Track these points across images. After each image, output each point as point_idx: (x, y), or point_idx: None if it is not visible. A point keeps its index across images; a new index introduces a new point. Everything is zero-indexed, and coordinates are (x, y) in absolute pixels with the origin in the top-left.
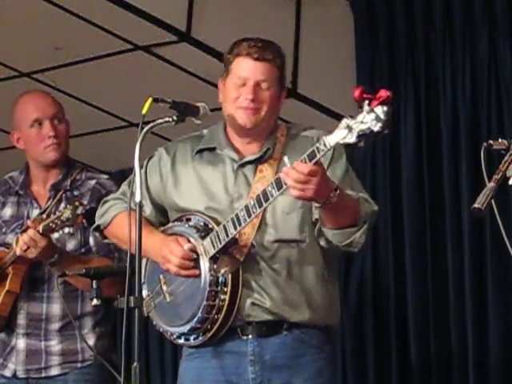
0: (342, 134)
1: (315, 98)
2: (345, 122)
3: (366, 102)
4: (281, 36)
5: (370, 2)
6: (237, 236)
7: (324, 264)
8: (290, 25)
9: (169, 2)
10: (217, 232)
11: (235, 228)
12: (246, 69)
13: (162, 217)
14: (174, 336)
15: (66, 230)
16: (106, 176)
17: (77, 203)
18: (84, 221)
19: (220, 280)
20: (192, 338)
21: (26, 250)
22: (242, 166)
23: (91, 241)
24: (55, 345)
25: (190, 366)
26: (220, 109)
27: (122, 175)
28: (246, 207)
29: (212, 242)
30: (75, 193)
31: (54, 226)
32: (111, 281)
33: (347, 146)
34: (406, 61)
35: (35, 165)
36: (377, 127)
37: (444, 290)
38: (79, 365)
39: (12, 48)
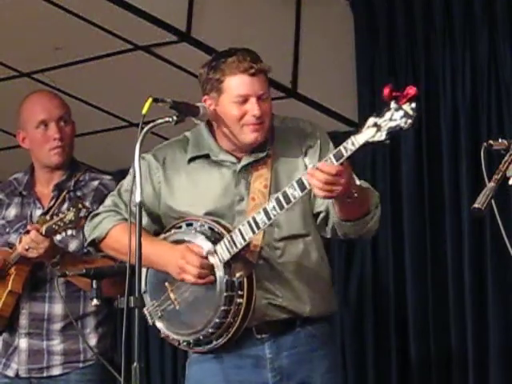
0: (371, 133)
1: (315, 98)
2: (372, 120)
3: (394, 100)
4: (281, 36)
5: (369, 1)
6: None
7: (324, 253)
8: (290, 25)
9: (169, 2)
10: (231, 236)
11: (253, 232)
12: (245, 86)
13: (157, 226)
14: (185, 344)
15: (69, 232)
16: (109, 177)
17: (80, 206)
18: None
19: (235, 284)
20: (204, 343)
21: (27, 250)
22: (241, 168)
23: None
24: (57, 344)
25: (202, 367)
26: None
27: (121, 175)
28: (265, 210)
29: (226, 247)
30: (78, 193)
31: (56, 227)
32: (112, 281)
33: (375, 144)
34: (406, 61)
35: (39, 165)
36: (406, 124)
37: (444, 289)
38: (81, 365)
39: (12, 48)
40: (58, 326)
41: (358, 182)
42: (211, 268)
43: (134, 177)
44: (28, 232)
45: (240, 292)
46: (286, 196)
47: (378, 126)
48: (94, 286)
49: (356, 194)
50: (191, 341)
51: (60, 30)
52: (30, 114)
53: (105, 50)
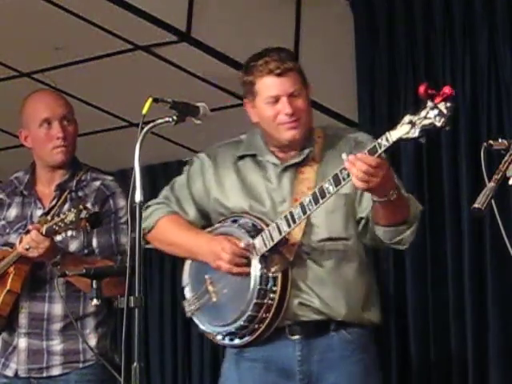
0: (405, 129)
1: (315, 98)
2: (407, 117)
3: (430, 98)
4: (281, 36)
5: (369, 2)
6: (286, 236)
7: (366, 260)
8: (289, 25)
9: (169, 2)
10: (269, 231)
11: (289, 226)
12: (274, 87)
13: (205, 221)
14: (219, 337)
15: (69, 233)
16: (110, 177)
17: (81, 207)
18: (87, 224)
19: (270, 279)
20: (237, 337)
21: (27, 249)
22: (284, 170)
23: (94, 242)
24: (57, 344)
25: (236, 366)
26: (219, 109)
27: (122, 175)
28: (301, 204)
29: (263, 241)
30: (80, 194)
31: (57, 228)
32: (115, 281)
33: (408, 141)
34: (406, 61)
35: (41, 165)
36: (440, 122)
37: (444, 289)
38: (81, 365)
39: (12, 48)
40: (57, 326)
41: (402, 191)
42: (247, 261)
43: (134, 177)
44: (28, 232)
45: (274, 287)
46: (321, 191)
47: (412, 124)
48: (94, 286)
49: (393, 196)
50: (224, 334)
51: (60, 29)
52: (33, 113)
53: (105, 50)
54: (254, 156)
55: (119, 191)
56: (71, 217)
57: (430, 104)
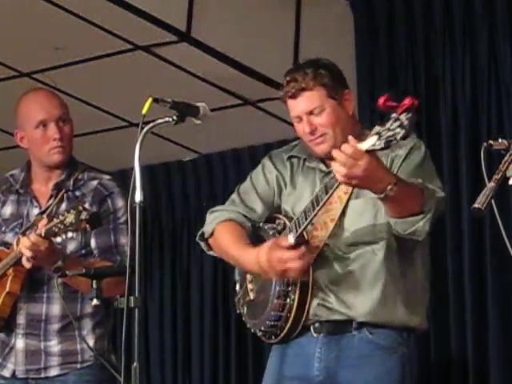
0: (373, 141)
1: None
2: (375, 129)
3: (390, 110)
4: (281, 36)
5: (369, 2)
6: (309, 238)
7: (400, 262)
8: (289, 25)
9: (169, 2)
10: (289, 227)
11: (296, 231)
12: (293, 109)
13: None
14: (259, 333)
15: (70, 234)
16: (108, 176)
17: (80, 208)
18: (87, 226)
19: (290, 280)
20: (271, 335)
21: (33, 259)
22: (328, 175)
23: (93, 243)
24: (54, 345)
25: (273, 358)
26: (219, 109)
27: (122, 175)
28: (303, 210)
29: (285, 236)
30: (77, 193)
31: (56, 230)
32: (115, 281)
33: (376, 151)
34: (406, 61)
35: (38, 164)
36: (400, 135)
37: (444, 290)
38: (79, 365)
39: (12, 48)
40: (55, 326)
41: (414, 181)
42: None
43: (134, 177)
44: (24, 234)
45: (294, 288)
46: (316, 198)
47: (379, 135)
48: (94, 286)
49: (392, 192)
50: (261, 330)
51: (60, 29)
52: (29, 114)
53: (105, 50)
54: (304, 160)
55: (117, 191)
56: (71, 218)
57: (393, 115)
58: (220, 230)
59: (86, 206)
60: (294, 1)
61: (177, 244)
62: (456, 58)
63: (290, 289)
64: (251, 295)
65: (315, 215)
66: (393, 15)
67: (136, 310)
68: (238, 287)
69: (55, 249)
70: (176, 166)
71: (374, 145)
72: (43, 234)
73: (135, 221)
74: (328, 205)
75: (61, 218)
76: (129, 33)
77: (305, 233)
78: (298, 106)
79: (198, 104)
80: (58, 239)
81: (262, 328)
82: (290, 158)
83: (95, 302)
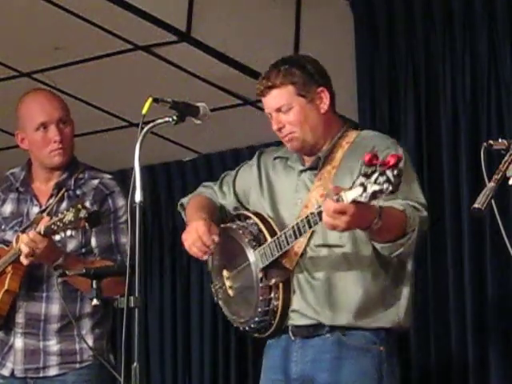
0: (358, 192)
1: None
2: (360, 179)
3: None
4: (281, 36)
5: (369, 2)
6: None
7: (373, 268)
8: (289, 25)
9: (169, 2)
10: (269, 245)
11: (280, 249)
12: (264, 105)
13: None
14: (241, 328)
15: (69, 232)
16: (109, 176)
17: (79, 206)
18: (87, 224)
19: (273, 287)
20: (254, 333)
21: (31, 256)
22: (302, 173)
23: (93, 242)
24: (53, 345)
25: (263, 360)
26: (219, 109)
27: (122, 175)
28: (297, 226)
29: (265, 254)
30: (78, 192)
31: (55, 227)
32: (115, 281)
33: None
34: (406, 61)
35: (39, 165)
36: (388, 190)
37: (444, 290)
38: (78, 365)
39: (12, 48)
40: (54, 326)
41: (396, 206)
42: (248, 267)
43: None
44: (24, 232)
45: (276, 294)
46: (298, 228)
47: (364, 187)
48: (94, 285)
49: (378, 226)
50: (243, 328)
51: (60, 29)
52: (29, 116)
53: (105, 50)
54: (286, 160)
55: (118, 190)
56: (70, 216)
57: (379, 169)
58: (191, 202)
59: (87, 204)
60: (294, 1)
61: (177, 244)
62: (456, 58)
63: (272, 296)
64: (230, 292)
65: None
66: (393, 15)
67: (136, 310)
68: (213, 276)
69: (55, 247)
70: (176, 166)
71: (360, 195)
72: (42, 232)
73: (135, 221)
74: (304, 208)
75: (60, 216)
76: (129, 33)
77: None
78: (268, 102)
79: (198, 104)
80: (57, 237)
81: (245, 327)
82: (275, 158)
83: (95, 301)
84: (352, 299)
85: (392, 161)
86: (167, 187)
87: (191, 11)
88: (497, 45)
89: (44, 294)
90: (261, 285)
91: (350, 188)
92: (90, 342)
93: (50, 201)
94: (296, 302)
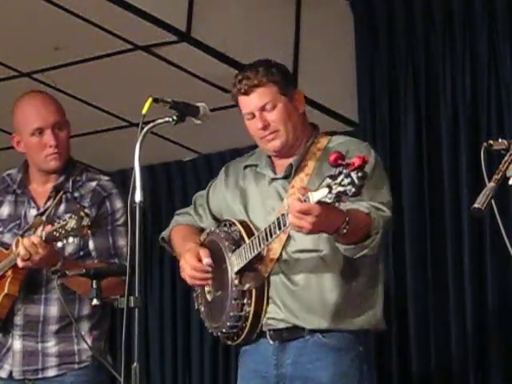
0: (324, 193)
1: (315, 98)
2: (326, 181)
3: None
4: (281, 36)
5: (370, 1)
6: (264, 252)
7: (350, 271)
8: (289, 25)
9: (169, 2)
10: (244, 248)
11: (252, 251)
12: (245, 105)
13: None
14: (214, 333)
15: (70, 239)
16: (106, 177)
17: (82, 214)
18: (89, 231)
19: (246, 292)
20: (227, 339)
21: (28, 260)
22: (274, 181)
23: (91, 245)
24: (52, 346)
25: (239, 368)
26: (219, 109)
27: (121, 175)
28: (269, 227)
29: (240, 257)
30: (76, 194)
31: (57, 234)
32: (116, 282)
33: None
34: (406, 61)
35: (35, 168)
36: (351, 192)
37: (444, 290)
38: (76, 366)
39: (12, 48)
40: (52, 328)
41: (361, 208)
42: (225, 272)
43: (134, 177)
44: (23, 235)
45: (249, 301)
46: (269, 230)
47: (329, 188)
48: (94, 286)
49: (345, 231)
50: (217, 333)
51: (60, 29)
52: (25, 121)
53: (105, 50)
54: (256, 167)
55: (115, 192)
56: (72, 223)
57: (345, 171)
58: (174, 233)
59: (86, 208)
60: (294, 1)
61: None
62: (456, 58)
63: (245, 301)
64: (208, 297)
65: (259, 252)
66: (393, 15)
67: (136, 310)
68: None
69: (55, 252)
70: (176, 166)
71: (325, 196)
72: (43, 238)
73: (135, 221)
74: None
75: (62, 222)
76: (129, 33)
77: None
78: (251, 102)
79: (198, 104)
80: (59, 244)
81: (218, 332)
82: (245, 167)
83: (95, 301)
84: (331, 303)
85: (357, 162)
86: (167, 187)
87: (191, 11)
88: (497, 45)
89: (43, 297)
90: (233, 289)
91: (317, 189)
92: (89, 343)
93: (48, 203)
94: (274, 307)
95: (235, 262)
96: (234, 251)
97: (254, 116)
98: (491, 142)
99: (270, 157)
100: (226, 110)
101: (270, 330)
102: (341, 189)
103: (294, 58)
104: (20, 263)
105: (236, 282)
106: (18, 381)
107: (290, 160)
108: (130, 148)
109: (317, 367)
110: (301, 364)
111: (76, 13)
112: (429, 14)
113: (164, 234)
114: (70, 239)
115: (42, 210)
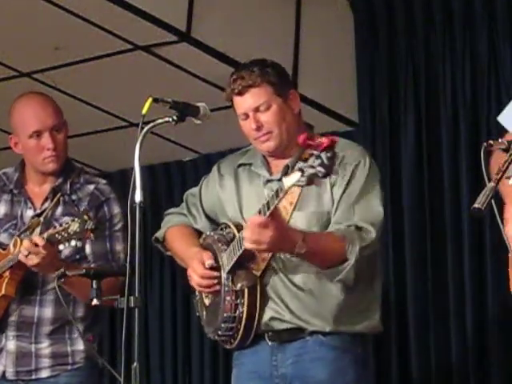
0: (296, 177)
1: (315, 98)
2: (299, 164)
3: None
4: (281, 36)
5: (369, 1)
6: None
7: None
8: (290, 25)
9: (169, 2)
10: (232, 245)
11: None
12: (239, 105)
13: (215, 225)
14: (212, 337)
15: (73, 243)
16: (104, 181)
17: (85, 217)
18: (92, 235)
19: (239, 293)
20: (224, 343)
21: (26, 256)
22: (270, 182)
23: (87, 249)
24: (45, 348)
25: (234, 369)
26: (219, 109)
27: (121, 175)
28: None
29: (230, 255)
30: (73, 197)
31: (59, 237)
32: (114, 283)
33: (300, 186)
34: (406, 61)
35: (32, 169)
36: (321, 173)
37: (444, 289)
38: (69, 367)
39: (12, 48)
40: (46, 329)
41: (335, 232)
42: (217, 280)
43: (134, 177)
44: (20, 235)
45: (242, 301)
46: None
47: (302, 171)
48: (94, 286)
49: (303, 250)
50: (215, 337)
51: (60, 29)
52: (23, 123)
53: (105, 50)
54: (249, 165)
55: (113, 197)
56: (75, 227)
57: (315, 152)
58: (170, 234)
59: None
60: (294, 0)
61: None
62: (456, 58)
63: (238, 302)
64: (206, 301)
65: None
66: (393, 15)
67: (136, 310)
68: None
69: (57, 256)
70: (176, 166)
71: (298, 181)
72: (45, 239)
73: (135, 221)
74: None
75: (65, 225)
76: (129, 33)
77: None
78: (245, 102)
79: (198, 104)
80: (61, 246)
81: (215, 336)
82: (239, 166)
83: (95, 301)
84: (335, 307)
85: (326, 142)
86: (167, 187)
87: (191, 11)
88: (497, 45)
89: (38, 298)
90: (226, 289)
91: (290, 173)
92: (81, 345)
93: (46, 204)
94: (277, 308)
95: (226, 262)
96: (225, 251)
97: (247, 116)
98: (491, 141)
99: (265, 156)
100: (226, 110)
101: (268, 331)
102: (312, 171)
103: (294, 58)
104: (23, 259)
105: (228, 281)
106: (11, 381)
107: (286, 161)
108: (130, 148)
109: (316, 365)
110: (301, 363)
111: (76, 13)
112: (429, 14)
113: (158, 234)
114: (73, 242)
115: (39, 211)
